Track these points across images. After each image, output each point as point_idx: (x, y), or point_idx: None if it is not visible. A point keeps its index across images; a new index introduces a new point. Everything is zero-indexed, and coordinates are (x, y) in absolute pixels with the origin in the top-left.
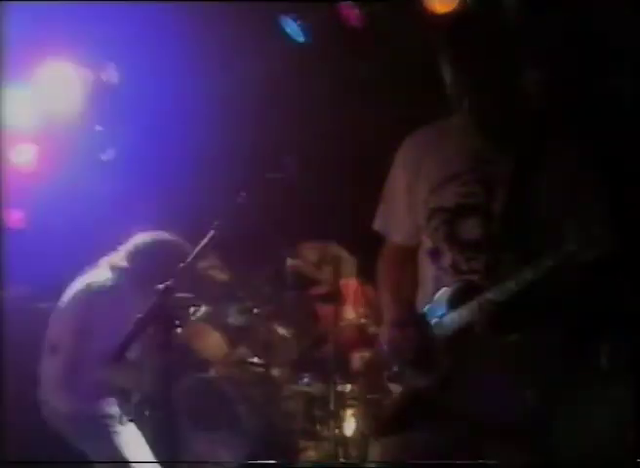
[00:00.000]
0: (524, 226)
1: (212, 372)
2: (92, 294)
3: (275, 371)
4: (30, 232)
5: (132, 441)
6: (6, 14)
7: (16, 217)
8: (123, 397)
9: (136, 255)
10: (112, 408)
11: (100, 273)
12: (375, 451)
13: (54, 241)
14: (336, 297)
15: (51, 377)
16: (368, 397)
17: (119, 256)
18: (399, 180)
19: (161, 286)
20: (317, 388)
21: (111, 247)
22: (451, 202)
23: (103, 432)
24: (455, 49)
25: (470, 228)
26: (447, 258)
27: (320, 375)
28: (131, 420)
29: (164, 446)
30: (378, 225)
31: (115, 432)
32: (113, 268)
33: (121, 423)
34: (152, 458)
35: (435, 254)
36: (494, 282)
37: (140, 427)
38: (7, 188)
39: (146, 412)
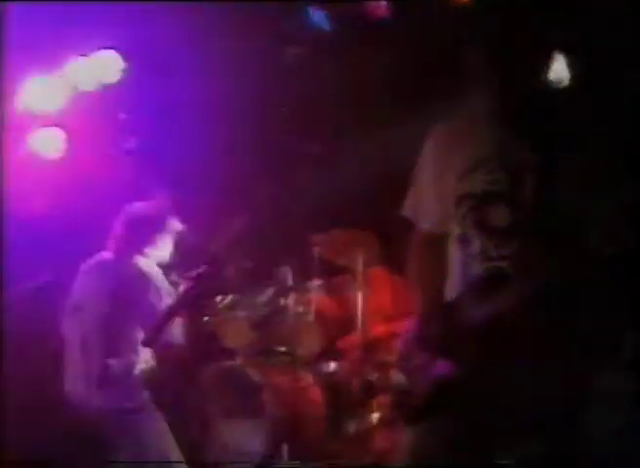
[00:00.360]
0: (551, 214)
1: (238, 361)
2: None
3: (301, 360)
4: (52, 220)
5: (159, 429)
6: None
7: (39, 205)
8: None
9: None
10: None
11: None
12: (403, 439)
13: (74, 229)
14: (362, 285)
15: (82, 373)
16: (395, 385)
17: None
18: (427, 167)
19: (193, 273)
20: (343, 376)
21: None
22: (477, 189)
23: (134, 423)
24: (482, 35)
25: (498, 215)
26: (476, 245)
27: (346, 363)
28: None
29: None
30: (406, 211)
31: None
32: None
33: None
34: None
35: (464, 241)
36: (522, 269)
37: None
38: (30, 176)
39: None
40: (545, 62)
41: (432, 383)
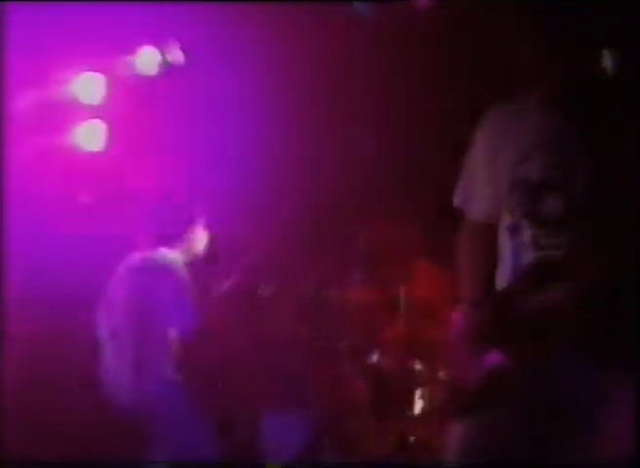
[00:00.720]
0: (606, 206)
1: (282, 352)
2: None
3: (345, 350)
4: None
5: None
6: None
7: (83, 198)
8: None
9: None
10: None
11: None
12: (453, 431)
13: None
14: (406, 276)
15: (121, 363)
16: (444, 376)
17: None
18: (479, 155)
19: (247, 262)
20: (386, 368)
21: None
22: (531, 176)
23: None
24: (535, 24)
25: (550, 204)
26: (527, 234)
27: (390, 353)
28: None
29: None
30: (457, 201)
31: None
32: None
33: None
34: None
35: (514, 230)
36: (575, 259)
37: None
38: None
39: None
40: (599, 48)
41: (483, 375)
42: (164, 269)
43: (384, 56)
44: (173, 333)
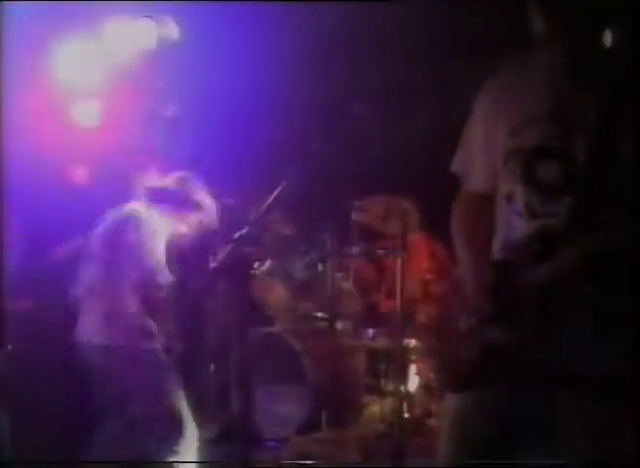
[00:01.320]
0: (606, 173)
1: (277, 326)
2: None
3: (340, 325)
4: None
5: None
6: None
7: (79, 174)
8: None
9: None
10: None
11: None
12: (447, 405)
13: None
14: (402, 251)
15: (92, 317)
16: (438, 351)
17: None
18: (479, 123)
19: (236, 234)
20: (382, 342)
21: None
22: (529, 143)
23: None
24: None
25: (548, 170)
26: (521, 201)
27: (385, 330)
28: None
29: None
30: (455, 168)
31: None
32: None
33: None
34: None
35: (511, 198)
36: (573, 226)
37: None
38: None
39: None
40: (612, 18)
41: (480, 349)
42: (128, 222)
43: (388, 16)
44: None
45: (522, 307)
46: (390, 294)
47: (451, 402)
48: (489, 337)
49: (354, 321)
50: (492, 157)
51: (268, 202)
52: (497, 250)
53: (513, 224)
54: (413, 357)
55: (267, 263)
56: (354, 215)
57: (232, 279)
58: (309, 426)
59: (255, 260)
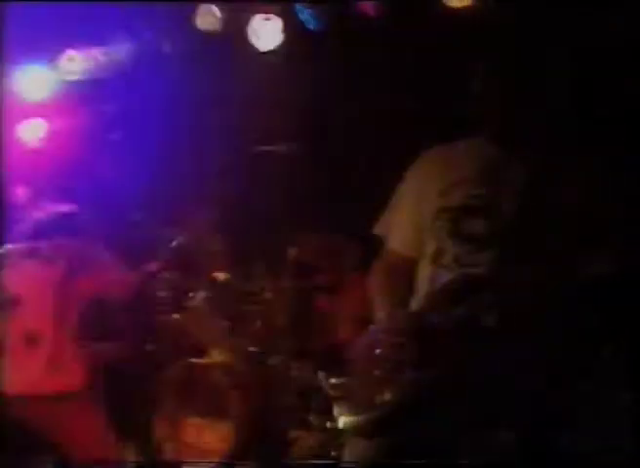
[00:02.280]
0: (530, 228)
1: (207, 358)
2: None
3: (272, 360)
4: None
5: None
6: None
7: (20, 194)
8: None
9: None
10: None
11: None
12: (353, 451)
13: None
14: (337, 289)
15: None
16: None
17: None
18: (408, 190)
19: (146, 269)
20: (313, 379)
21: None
22: (458, 202)
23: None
24: (486, 63)
25: (476, 225)
26: (449, 255)
27: (317, 366)
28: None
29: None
30: (378, 229)
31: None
32: None
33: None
34: None
35: (437, 255)
36: (496, 276)
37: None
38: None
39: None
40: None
41: (398, 390)
42: None
43: (323, 64)
44: None
45: (439, 351)
46: (323, 332)
47: (360, 446)
48: (406, 382)
49: (286, 356)
50: (420, 219)
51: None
52: (416, 305)
53: (438, 279)
54: (340, 395)
55: (200, 295)
56: (291, 251)
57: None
58: (233, 460)
59: (186, 292)
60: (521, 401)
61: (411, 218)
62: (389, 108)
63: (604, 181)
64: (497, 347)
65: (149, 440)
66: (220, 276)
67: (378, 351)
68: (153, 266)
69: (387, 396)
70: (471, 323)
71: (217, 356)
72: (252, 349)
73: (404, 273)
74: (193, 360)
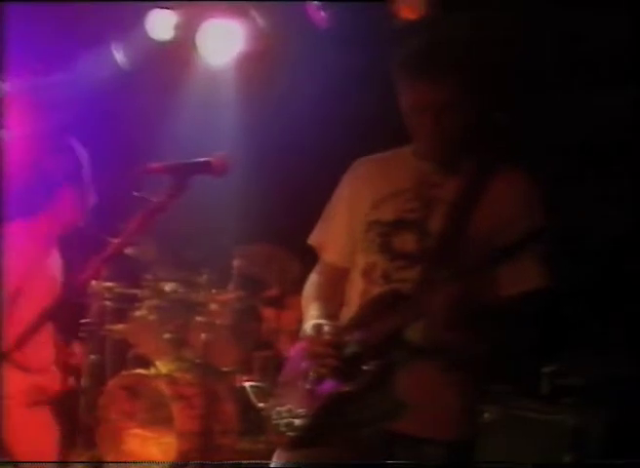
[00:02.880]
0: (460, 245)
1: (151, 370)
2: None
3: (216, 372)
4: None
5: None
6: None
7: None
8: None
9: None
10: None
11: None
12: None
13: None
14: (281, 301)
15: None
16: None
17: None
18: (341, 201)
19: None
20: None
21: None
22: (390, 216)
23: None
24: (414, 72)
25: (406, 241)
26: (378, 270)
27: (262, 378)
28: None
29: None
30: (313, 240)
31: None
32: None
33: None
34: None
35: (367, 270)
36: (424, 293)
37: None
38: None
39: None
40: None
41: (320, 403)
42: None
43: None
44: None
45: (361, 364)
46: (266, 344)
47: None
48: (329, 394)
49: (230, 367)
50: (353, 231)
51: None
52: (346, 318)
53: (369, 294)
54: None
55: (146, 305)
56: (236, 262)
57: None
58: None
59: (130, 302)
60: (449, 414)
61: (345, 229)
62: (333, 116)
63: (531, 199)
64: (420, 363)
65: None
66: (167, 286)
67: (303, 363)
68: (83, 275)
69: (309, 409)
70: (396, 338)
71: (161, 367)
72: (197, 360)
73: (337, 284)
74: (138, 371)
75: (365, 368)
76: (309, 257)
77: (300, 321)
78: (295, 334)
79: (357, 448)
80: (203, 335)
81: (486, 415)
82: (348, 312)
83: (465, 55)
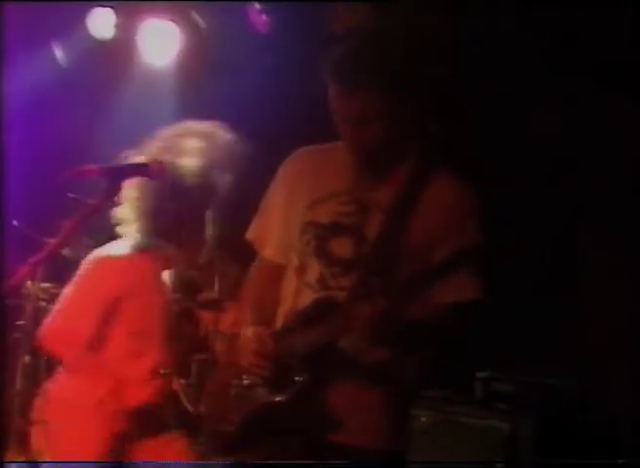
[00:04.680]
0: (395, 253)
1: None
2: None
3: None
4: None
5: None
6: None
7: None
8: None
9: None
10: None
11: None
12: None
13: None
14: (219, 304)
15: None
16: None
17: None
18: (278, 195)
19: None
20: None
21: None
22: (326, 218)
23: None
24: (340, 81)
25: (342, 246)
26: (314, 273)
27: (197, 382)
28: None
29: None
30: (250, 236)
31: None
32: None
33: None
34: None
35: (302, 270)
36: (359, 301)
37: None
38: None
39: None
40: (405, 107)
41: (250, 411)
42: None
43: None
44: None
45: (292, 374)
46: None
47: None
48: (261, 400)
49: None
50: (288, 229)
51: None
52: (281, 319)
53: (302, 295)
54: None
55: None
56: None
57: None
58: None
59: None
60: (379, 422)
61: (281, 225)
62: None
63: (466, 211)
64: (350, 374)
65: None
66: None
67: (236, 369)
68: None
69: (239, 414)
70: (328, 349)
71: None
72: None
73: (274, 280)
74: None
75: (296, 379)
76: (247, 258)
77: (237, 324)
78: (232, 338)
79: (286, 455)
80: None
81: (421, 420)
82: (282, 312)
83: (393, 65)
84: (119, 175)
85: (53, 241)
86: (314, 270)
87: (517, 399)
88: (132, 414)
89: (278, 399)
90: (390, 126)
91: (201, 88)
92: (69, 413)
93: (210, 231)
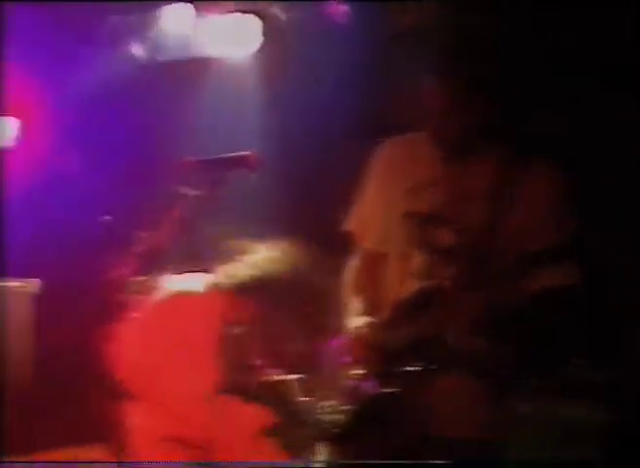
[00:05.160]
0: (495, 241)
1: None
2: None
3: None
4: None
5: None
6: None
7: None
8: None
9: None
10: None
11: None
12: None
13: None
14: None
15: None
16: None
17: None
18: (373, 184)
19: None
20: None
21: None
22: (425, 207)
23: None
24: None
25: (442, 236)
26: (417, 263)
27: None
28: None
29: None
30: (350, 227)
31: None
32: None
33: None
34: None
35: (405, 259)
36: (463, 290)
37: None
38: None
39: None
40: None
41: (358, 403)
42: None
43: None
44: None
45: (402, 365)
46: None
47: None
48: (366, 390)
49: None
50: (387, 217)
51: None
52: (386, 308)
53: (407, 284)
54: None
55: None
56: None
57: None
58: None
59: None
60: (479, 414)
61: (379, 214)
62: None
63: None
64: (454, 366)
65: None
66: None
67: (345, 359)
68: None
69: (352, 406)
70: (433, 337)
71: None
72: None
73: (376, 268)
74: None
75: (406, 369)
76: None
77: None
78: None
79: (393, 446)
80: None
81: (518, 411)
82: (387, 301)
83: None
84: (220, 166)
85: (152, 234)
86: (417, 259)
87: (612, 388)
88: None
89: (391, 390)
90: (471, 118)
91: (281, 82)
92: None
93: None
